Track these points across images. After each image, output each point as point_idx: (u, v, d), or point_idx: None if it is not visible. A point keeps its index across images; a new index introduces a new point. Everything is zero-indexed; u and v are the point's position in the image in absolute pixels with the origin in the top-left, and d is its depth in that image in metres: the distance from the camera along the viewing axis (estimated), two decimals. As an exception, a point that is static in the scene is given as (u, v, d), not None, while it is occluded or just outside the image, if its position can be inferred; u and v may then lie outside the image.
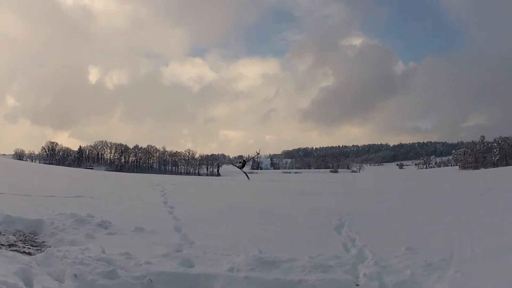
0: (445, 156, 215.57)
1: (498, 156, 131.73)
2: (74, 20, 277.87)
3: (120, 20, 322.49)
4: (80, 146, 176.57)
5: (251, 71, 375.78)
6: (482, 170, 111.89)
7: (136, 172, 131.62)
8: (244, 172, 27.35)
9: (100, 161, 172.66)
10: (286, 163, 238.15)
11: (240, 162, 25.46)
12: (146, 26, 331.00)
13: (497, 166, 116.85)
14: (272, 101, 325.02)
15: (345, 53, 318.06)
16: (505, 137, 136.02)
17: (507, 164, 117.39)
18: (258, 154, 28.56)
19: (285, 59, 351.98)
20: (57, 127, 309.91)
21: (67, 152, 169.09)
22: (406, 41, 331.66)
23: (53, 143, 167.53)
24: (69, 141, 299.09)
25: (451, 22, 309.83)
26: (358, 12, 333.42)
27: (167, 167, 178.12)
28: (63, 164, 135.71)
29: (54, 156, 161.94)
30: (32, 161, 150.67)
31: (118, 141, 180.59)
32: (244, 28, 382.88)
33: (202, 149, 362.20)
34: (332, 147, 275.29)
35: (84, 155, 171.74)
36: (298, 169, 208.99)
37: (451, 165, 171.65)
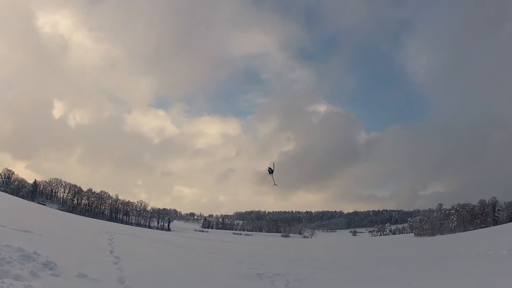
0: (400, 224, 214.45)
1: (455, 222, 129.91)
2: (49, 49, 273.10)
3: (92, 58, 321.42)
4: (35, 179, 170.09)
5: (212, 130, 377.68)
6: (439, 236, 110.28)
7: (88, 216, 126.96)
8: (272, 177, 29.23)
9: (53, 199, 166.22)
10: (237, 224, 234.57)
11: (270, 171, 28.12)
12: (116, 69, 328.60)
13: (455, 232, 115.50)
14: (231, 161, 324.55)
15: (309, 119, 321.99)
16: (463, 203, 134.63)
17: (464, 230, 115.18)
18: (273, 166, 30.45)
19: (247, 121, 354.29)
20: (15, 156, 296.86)
21: (22, 183, 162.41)
22: (370, 110, 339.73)
23: (9, 171, 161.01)
24: (25, 173, 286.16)
25: (416, 92, 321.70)
26: (325, 79, 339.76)
27: (118, 215, 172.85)
28: (17, 195, 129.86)
29: (9, 184, 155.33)
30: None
31: (73, 182, 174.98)
32: (212, 86, 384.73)
33: (155, 202, 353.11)
34: (285, 212, 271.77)
35: (38, 190, 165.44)
36: (250, 231, 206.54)
37: (407, 232, 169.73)
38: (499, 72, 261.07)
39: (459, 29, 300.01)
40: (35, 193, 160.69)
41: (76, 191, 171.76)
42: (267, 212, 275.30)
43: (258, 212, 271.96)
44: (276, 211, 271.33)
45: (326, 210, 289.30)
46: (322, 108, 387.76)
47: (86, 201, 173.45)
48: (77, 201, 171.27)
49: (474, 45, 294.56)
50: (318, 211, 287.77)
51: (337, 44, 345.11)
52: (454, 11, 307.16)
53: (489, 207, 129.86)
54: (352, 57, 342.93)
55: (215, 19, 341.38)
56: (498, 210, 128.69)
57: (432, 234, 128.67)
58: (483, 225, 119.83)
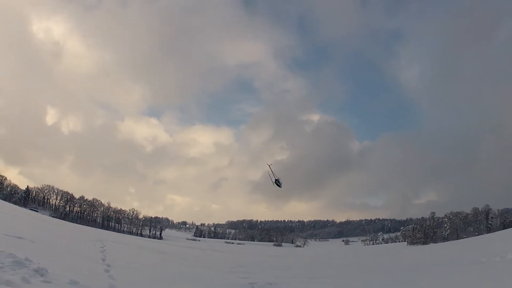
0: (393, 233, 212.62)
1: (448, 230, 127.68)
2: (43, 55, 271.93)
3: (85, 64, 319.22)
4: (28, 186, 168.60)
5: (205, 138, 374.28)
6: (432, 245, 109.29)
7: (80, 223, 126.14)
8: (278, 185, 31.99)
9: (45, 206, 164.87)
10: (229, 233, 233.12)
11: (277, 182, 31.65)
12: (109, 76, 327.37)
13: (448, 240, 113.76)
14: (223, 170, 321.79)
15: (303, 128, 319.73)
16: (456, 212, 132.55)
17: (458, 238, 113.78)
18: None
19: (240, 130, 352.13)
20: (8, 162, 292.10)
21: (15, 189, 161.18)
22: (363, 119, 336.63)
23: (2, 176, 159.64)
24: (18, 179, 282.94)
25: (407, 101, 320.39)
26: (318, 88, 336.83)
27: (110, 223, 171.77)
28: (9, 201, 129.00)
29: (1, 190, 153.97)
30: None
31: (65, 189, 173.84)
32: (205, 95, 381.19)
33: (147, 210, 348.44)
34: (277, 221, 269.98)
35: (30, 196, 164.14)
36: (242, 240, 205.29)
37: (399, 241, 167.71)
38: (490, 80, 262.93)
39: (450, 38, 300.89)
40: (27, 199, 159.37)
41: (68, 198, 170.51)
42: (259, 221, 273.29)
43: (250, 221, 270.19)
44: (268, 220, 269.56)
45: (318, 219, 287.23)
46: (315, 117, 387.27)
47: (78, 209, 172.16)
48: (69, 208, 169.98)
49: (465, 55, 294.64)
50: (310, 220, 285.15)
51: (329, 53, 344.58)
52: (445, 21, 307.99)
53: (483, 215, 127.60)
54: (344, 66, 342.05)
55: (208, 28, 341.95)
56: (492, 217, 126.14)
57: (425, 242, 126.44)
58: (476, 233, 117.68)
